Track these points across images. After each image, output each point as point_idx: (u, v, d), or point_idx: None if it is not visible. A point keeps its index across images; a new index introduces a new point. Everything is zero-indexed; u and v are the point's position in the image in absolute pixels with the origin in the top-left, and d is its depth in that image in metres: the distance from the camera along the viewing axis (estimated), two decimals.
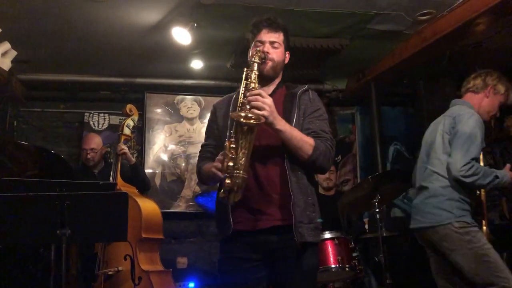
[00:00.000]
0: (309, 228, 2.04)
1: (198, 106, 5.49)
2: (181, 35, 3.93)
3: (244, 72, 2.06)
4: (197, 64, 4.88)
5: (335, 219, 3.97)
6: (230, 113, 1.98)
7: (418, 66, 4.79)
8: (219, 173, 1.91)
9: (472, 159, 2.69)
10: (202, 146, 2.28)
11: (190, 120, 5.45)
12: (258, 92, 1.96)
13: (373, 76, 5.12)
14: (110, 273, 3.29)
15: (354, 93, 5.57)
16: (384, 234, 3.37)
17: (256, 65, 2.06)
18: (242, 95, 2.01)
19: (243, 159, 1.88)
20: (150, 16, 3.82)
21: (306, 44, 4.28)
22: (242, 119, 1.86)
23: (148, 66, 4.93)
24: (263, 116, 1.90)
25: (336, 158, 5.77)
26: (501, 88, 3.03)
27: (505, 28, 4.12)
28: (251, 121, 1.87)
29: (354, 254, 3.45)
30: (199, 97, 5.49)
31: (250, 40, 2.27)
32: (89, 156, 4.07)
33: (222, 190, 1.91)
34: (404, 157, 5.83)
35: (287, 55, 2.25)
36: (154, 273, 3.36)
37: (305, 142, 2.03)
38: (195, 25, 3.86)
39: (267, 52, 2.13)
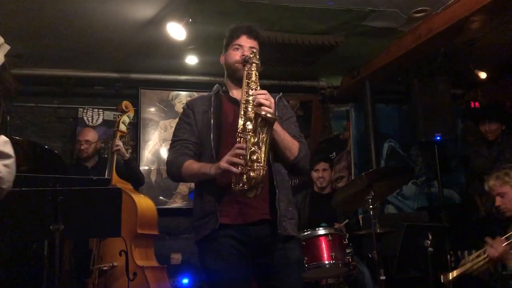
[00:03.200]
0: (292, 223, 2.14)
1: None
2: (176, 31, 3.92)
3: (245, 72, 2.13)
4: (192, 59, 4.87)
5: (332, 217, 3.98)
6: (255, 109, 1.99)
7: (412, 64, 4.81)
8: (234, 169, 1.91)
9: None
10: (177, 141, 2.23)
11: None
12: (265, 91, 2.04)
13: (367, 74, 5.13)
14: (105, 268, 3.29)
15: (348, 90, 5.58)
16: (378, 231, 3.37)
17: (255, 65, 2.13)
18: (246, 93, 2.07)
19: (264, 153, 1.94)
20: (144, 11, 3.80)
21: (301, 40, 4.28)
22: (269, 114, 1.94)
23: (142, 61, 4.91)
24: (271, 114, 1.97)
25: (331, 155, 5.77)
26: None
27: (499, 26, 4.13)
28: (272, 116, 1.96)
29: (347, 251, 3.46)
30: (194, 93, 5.46)
31: (224, 44, 2.37)
32: (82, 147, 4.05)
33: (241, 184, 1.92)
34: (398, 154, 5.85)
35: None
36: (149, 268, 3.36)
37: (293, 144, 2.14)
38: (190, 20, 3.85)
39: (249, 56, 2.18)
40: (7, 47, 4.49)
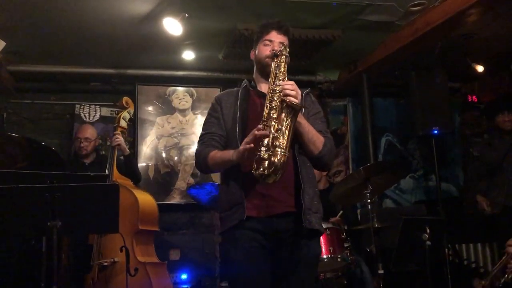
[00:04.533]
0: (317, 217, 2.15)
1: (190, 97, 5.47)
2: (173, 26, 3.90)
3: (274, 63, 2.15)
4: (188, 55, 4.86)
5: (329, 211, 3.98)
6: (281, 96, 2.00)
7: (409, 57, 4.79)
8: (249, 146, 1.93)
9: None
10: (205, 134, 2.27)
11: (183, 112, 5.43)
12: (292, 82, 2.06)
13: (365, 68, 5.12)
14: (105, 264, 3.29)
15: (346, 84, 5.57)
16: (376, 225, 3.38)
17: (284, 57, 2.16)
18: (273, 83, 2.09)
19: (286, 140, 1.96)
20: (141, 6, 3.79)
21: (298, 35, 4.27)
22: (294, 102, 1.96)
23: (139, 57, 4.89)
24: (298, 104, 2.00)
25: None
26: None
27: (497, 19, 4.13)
28: (297, 103, 1.98)
29: (345, 245, 3.47)
30: (191, 88, 5.46)
31: (254, 40, 2.35)
32: (82, 145, 4.03)
33: (261, 168, 1.93)
34: (396, 148, 5.85)
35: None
36: (151, 264, 3.37)
37: (318, 138, 2.16)
38: (187, 15, 3.83)
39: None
40: (2, 44, 4.48)
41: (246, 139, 1.97)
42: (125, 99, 3.93)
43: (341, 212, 3.89)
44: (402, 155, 5.86)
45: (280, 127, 1.96)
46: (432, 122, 4.85)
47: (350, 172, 5.42)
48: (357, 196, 3.59)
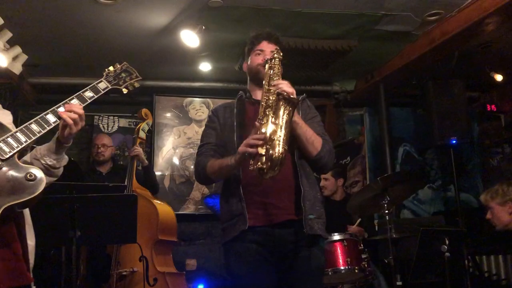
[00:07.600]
0: (319, 222, 2.12)
1: (207, 108, 5.51)
2: (190, 38, 3.95)
3: (267, 65, 2.16)
4: (205, 66, 4.90)
5: (346, 222, 3.95)
6: (278, 90, 1.98)
7: (426, 67, 4.77)
8: (250, 150, 1.90)
9: None
10: (203, 145, 2.28)
11: (199, 123, 5.47)
12: (287, 81, 2.05)
13: (381, 77, 5.11)
14: (124, 273, 3.32)
15: (362, 94, 5.55)
16: (394, 236, 3.35)
17: (278, 60, 2.16)
18: (267, 84, 2.09)
19: (284, 134, 1.92)
20: (158, 19, 3.84)
21: (314, 45, 4.28)
22: (291, 95, 1.94)
23: (157, 68, 4.95)
24: (294, 97, 1.98)
25: (345, 160, 5.75)
26: None
27: None
28: (293, 96, 1.96)
29: (363, 256, 3.44)
30: (208, 99, 5.51)
31: (246, 52, 2.38)
32: (100, 151, 4.10)
33: (259, 163, 1.89)
34: (414, 158, 5.80)
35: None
36: (170, 274, 3.39)
37: (316, 138, 2.14)
38: (203, 27, 3.87)
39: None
40: (24, 57, 4.57)
41: (245, 141, 1.94)
42: (144, 110, 3.98)
43: (359, 220, 3.85)
44: (420, 165, 5.80)
45: (277, 122, 1.93)
46: (450, 132, 4.80)
47: (367, 182, 5.37)
48: (375, 207, 3.57)
